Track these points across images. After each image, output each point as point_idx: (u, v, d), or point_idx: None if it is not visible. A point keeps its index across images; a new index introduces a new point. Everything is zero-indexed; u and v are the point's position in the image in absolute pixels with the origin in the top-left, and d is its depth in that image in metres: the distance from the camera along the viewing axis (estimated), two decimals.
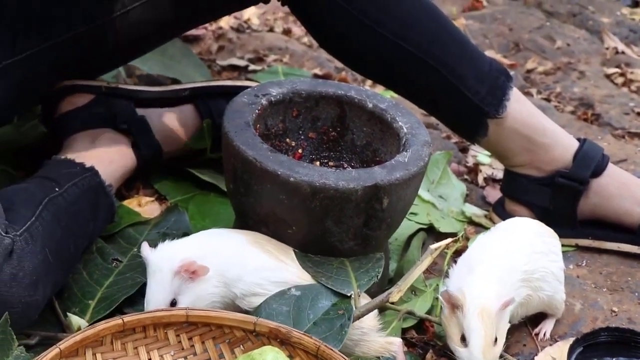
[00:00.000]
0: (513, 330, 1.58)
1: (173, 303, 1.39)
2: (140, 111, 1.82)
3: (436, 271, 1.74)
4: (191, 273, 1.38)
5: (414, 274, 1.40)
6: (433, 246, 1.40)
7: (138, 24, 1.70)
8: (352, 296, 1.43)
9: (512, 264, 1.50)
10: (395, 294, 1.40)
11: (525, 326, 1.62)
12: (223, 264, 1.42)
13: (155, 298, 1.39)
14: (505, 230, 1.58)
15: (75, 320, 1.45)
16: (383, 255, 1.52)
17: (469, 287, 1.43)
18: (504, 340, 1.43)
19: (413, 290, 1.65)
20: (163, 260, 1.40)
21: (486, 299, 1.41)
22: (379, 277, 1.48)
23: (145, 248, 1.42)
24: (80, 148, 1.71)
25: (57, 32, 1.68)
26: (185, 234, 1.65)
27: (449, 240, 1.41)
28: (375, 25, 1.69)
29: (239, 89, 1.76)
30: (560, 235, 1.63)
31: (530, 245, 1.54)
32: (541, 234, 1.58)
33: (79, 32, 1.68)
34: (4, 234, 1.33)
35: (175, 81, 2.14)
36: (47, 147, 1.77)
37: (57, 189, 1.52)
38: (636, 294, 1.72)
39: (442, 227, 1.82)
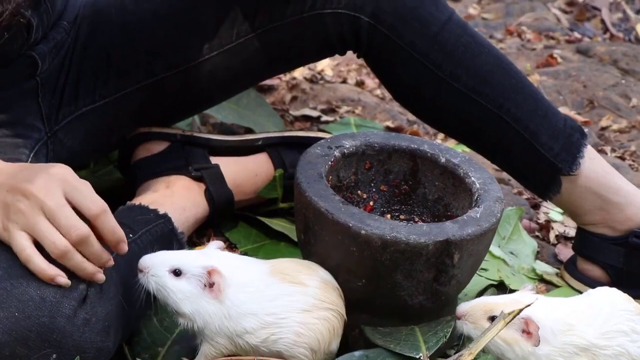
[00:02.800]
0: None
1: (176, 272, 1.41)
2: (213, 159, 1.84)
3: None
4: (210, 283, 1.40)
5: (487, 337, 1.38)
6: (506, 311, 1.38)
7: (215, 72, 1.73)
8: (422, 358, 1.42)
9: (575, 329, 1.47)
10: (466, 356, 1.38)
11: None
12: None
13: (176, 254, 1.44)
14: (592, 299, 1.54)
15: None
16: (454, 317, 1.51)
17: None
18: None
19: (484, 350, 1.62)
20: (214, 254, 1.45)
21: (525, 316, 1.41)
22: (447, 337, 1.47)
23: (215, 243, 1.48)
24: (154, 195, 1.74)
25: (136, 80, 1.72)
26: None
27: (524, 305, 1.39)
28: (450, 79, 1.70)
29: (311, 140, 1.78)
30: (634, 297, 1.59)
31: (609, 321, 1.50)
32: (628, 312, 1.53)
33: (158, 79, 1.72)
34: (79, 280, 1.35)
35: (249, 130, 2.16)
36: (122, 193, 1.80)
37: (131, 235, 1.54)
38: None
39: (513, 284, 1.80)
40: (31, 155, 1.57)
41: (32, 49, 1.58)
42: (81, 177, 1.86)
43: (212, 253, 1.46)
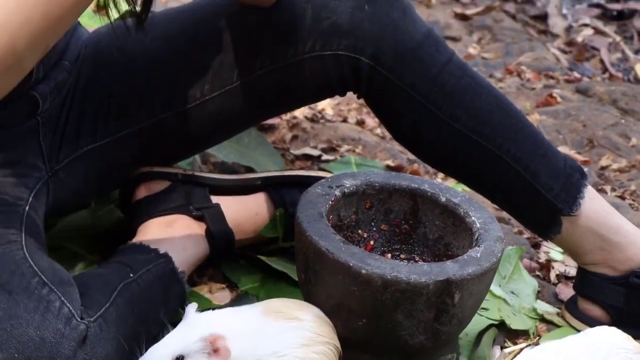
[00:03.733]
0: None
1: (179, 358, 1.38)
2: (214, 199, 1.84)
3: None
4: (213, 350, 1.39)
5: None
6: (506, 350, 1.38)
7: (217, 113, 1.74)
8: None
9: None
10: None
11: None
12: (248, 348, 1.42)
13: (169, 342, 1.40)
14: (590, 338, 1.54)
15: None
16: (454, 356, 1.51)
17: None
18: None
19: None
20: (200, 320, 1.42)
21: None
22: None
23: (192, 307, 1.44)
24: (155, 234, 1.74)
25: (137, 120, 1.72)
26: None
27: (523, 345, 1.39)
28: (450, 119, 1.70)
29: (312, 180, 1.78)
30: (635, 337, 1.59)
31: (607, 359, 1.49)
32: (626, 350, 1.53)
33: (159, 119, 1.73)
34: (79, 320, 1.35)
35: (250, 169, 2.17)
36: (123, 232, 1.80)
37: (131, 275, 1.54)
38: None
39: (514, 324, 1.80)
40: (32, 195, 1.57)
41: (33, 88, 1.59)
42: (82, 216, 1.90)
43: (197, 319, 1.44)
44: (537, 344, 1.64)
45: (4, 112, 1.51)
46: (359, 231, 1.69)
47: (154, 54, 1.72)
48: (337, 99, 2.79)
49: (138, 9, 1.50)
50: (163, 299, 1.60)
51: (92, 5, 2.98)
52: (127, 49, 1.72)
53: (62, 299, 1.37)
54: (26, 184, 1.58)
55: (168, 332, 1.61)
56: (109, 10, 1.46)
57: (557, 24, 3.77)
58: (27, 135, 1.61)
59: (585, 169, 1.80)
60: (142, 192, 1.82)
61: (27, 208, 1.53)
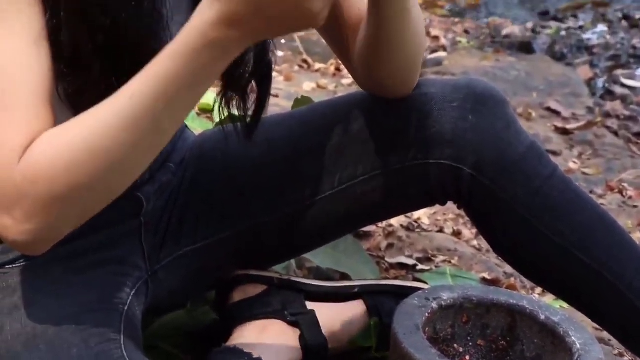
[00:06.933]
0: None
1: None
2: (309, 305, 1.84)
3: None
4: None
5: None
6: None
7: (315, 218, 1.74)
8: None
9: None
10: None
11: None
12: None
13: None
14: None
15: None
16: None
17: None
18: None
19: None
20: None
21: None
22: None
23: None
24: (249, 338, 1.73)
25: (236, 223, 1.74)
26: None
27: None
28: (551, 233, 1.68)
29: (408, 290, 1.77)
30: None
31: None
32: None
33: (258, 223, 1.74)
34: None
35: (345, 276, 2.16)
36: (218, 334, 1.80)
37: None
38: None
39: None
40: (131, 294, 1.59)
41: (138, 189, 1.62)
42: (177, 317, 1.91)
43: None
44: None
45: (109, 211, 1.54)
46: (455, 345, 1.67)
47: (257, 159, 1.74)
48: (434, 208, 2.78)
49: (248, 119, 1.53)
50: None
51: (196, 108, 3.05)
52: (231, 152, 1.75)
53: None
54: (127, 283, 1.59)
55: None
56: (220, 114, 1.49)
57: None
58: (129, 235, 1.64)
59: None
60: (238, 295, 1.83)
61: (127, 307, 1.55)
